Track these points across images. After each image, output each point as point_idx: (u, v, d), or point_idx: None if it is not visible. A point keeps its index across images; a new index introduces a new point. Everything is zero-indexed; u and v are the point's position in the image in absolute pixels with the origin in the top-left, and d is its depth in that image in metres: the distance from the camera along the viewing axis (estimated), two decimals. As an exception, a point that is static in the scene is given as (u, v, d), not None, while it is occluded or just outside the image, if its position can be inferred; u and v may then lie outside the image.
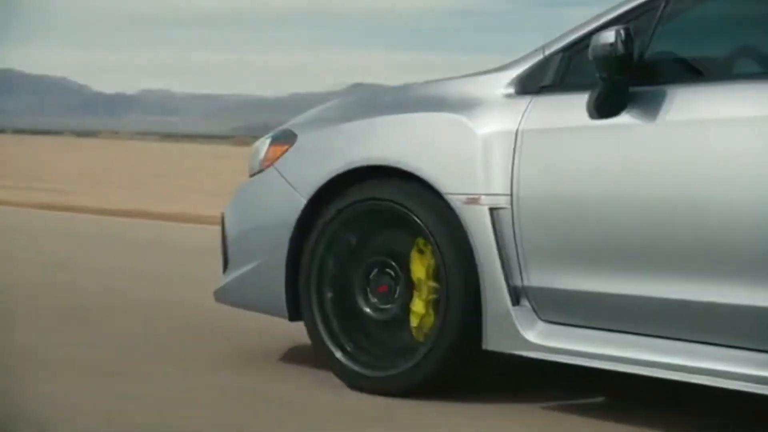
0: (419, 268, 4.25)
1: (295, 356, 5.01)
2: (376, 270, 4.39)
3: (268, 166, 4.70)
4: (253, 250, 4.66)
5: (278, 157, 4.67)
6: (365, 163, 4.34)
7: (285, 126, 4.84)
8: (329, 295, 4.46)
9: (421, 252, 4.25)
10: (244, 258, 4.70)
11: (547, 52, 4.09)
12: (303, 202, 4.48)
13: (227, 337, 5.36)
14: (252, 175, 4.82)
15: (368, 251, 4.42)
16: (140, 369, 4.65)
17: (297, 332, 4.75)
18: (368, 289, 4.40)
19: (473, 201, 4.06)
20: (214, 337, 5.37)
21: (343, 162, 4.40)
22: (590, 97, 3.84)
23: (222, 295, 4.86)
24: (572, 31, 4.06)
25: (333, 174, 4.41)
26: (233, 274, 4.76)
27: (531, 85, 4.09)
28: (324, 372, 4.45)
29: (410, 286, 4.28)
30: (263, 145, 4.81)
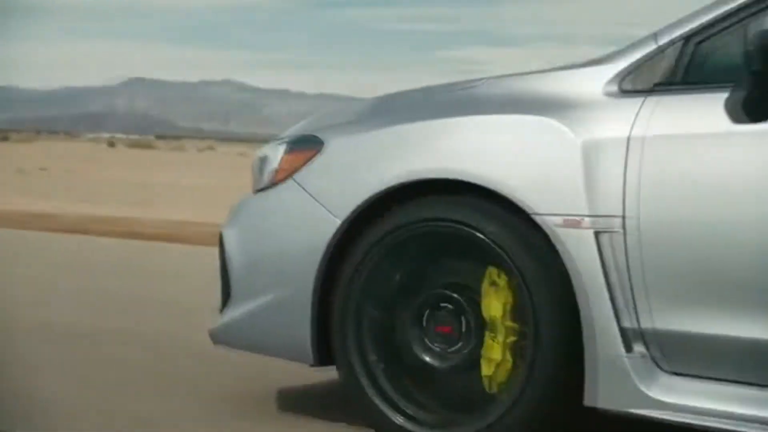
0: (494, 305, 3.46)
1: (308, 399, 4.20)
2: (433, 306, 3.60)
3: (284, 179, 3.87)
4: (266, 282, 3.82)
5: (299, 168, 3.83)
6: (427, 175, 3.52)
7: (301, 130, 4.01)
8: (372, 337, 3.65)
9: (494, 285, 3.47)
10: (253, 291, 3.86)
11: (662, 42, 3.33)
12: (337, 223, 3.66)
13: (219, 377, 4.50)
14: (260, 190, 3.98)
15: (424, 283, 3.62)
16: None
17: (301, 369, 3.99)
18: (424, 330, 3.60)
19: (572, 224, 3.28)
20: (206, 377, 4.50)
21: (394, 174, 3.58)
22: (731, 96, 3.11)
23: (222, 336, 4.00)
24: (694, 15, 3.32)
25: (380, 189, 3.60)
26: (237, 309, 3.91)
27: (642, 81, 3.32)
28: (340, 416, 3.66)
29: (481, 326, 3.49)
30: (275, 152, 3.97)
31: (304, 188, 3.78)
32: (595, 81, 3.39)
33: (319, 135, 3.85)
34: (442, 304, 3.58)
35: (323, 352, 3.74)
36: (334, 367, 3.74)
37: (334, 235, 3.67)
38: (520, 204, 3.36)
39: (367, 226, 3.64)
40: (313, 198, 3.74)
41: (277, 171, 3.91)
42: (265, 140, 4.90)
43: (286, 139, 3.99)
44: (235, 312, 3.92)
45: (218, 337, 4.01)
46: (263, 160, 4.01)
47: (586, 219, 3.26)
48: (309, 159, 3.82)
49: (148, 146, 77.54)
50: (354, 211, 3.65)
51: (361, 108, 4.06)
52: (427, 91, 3.95)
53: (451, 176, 3.48)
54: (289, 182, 3.84)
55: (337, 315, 3.68)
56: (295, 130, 4.07)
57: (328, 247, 3.67)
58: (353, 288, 3.65)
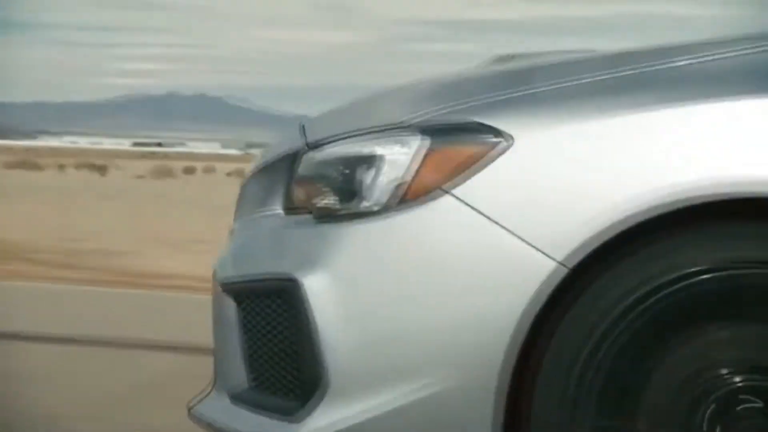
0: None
1: None
2: (727, 404, 2.18)
3: (425, 194, 2.35)
4: (411, 366, 2.31)
5: (457, 176, 2.33)
6: (732, 191, 2.11)
7: (441, 117, 2.41)
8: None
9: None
10: (382, 380, 2.34)
11: None
12: (552, 268, 2.21)
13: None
14: (376, 212, 2.40)
15: (715, 363, 2.21)
16: None
17: None
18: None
19: None
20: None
21: (665, 188, 2.16)
22: None
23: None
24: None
25: (634, 213, 2.17)
26: (347, 409, 2.36)
27: None
28: None
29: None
30: (395, 148, 2.42)
31: (478, 210, 2.27)
32: None
33: (499, 126, 2.33)
34: (744, 402, 2.14)
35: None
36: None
37: (547, 287, 2.21)
38: None
39: (606, 273, 2.19)
40: (504, 228, 2.24)
41: (408, 181, 2.37)
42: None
43: (417, 128, 2.42)
44: (338, 412, 2.37)
45: None
46: (352, 164, 2.47)
47: None
48: (479, 162, 2.32)
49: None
50: (585, 250, 2.20)
51: (536, 70, 2.55)
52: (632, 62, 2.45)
53: None
54: (446, 200, 2.32)
55: (551, 409, 2.23)
56: (428, 116, 2.49)
57: (538, 306, 2.20)
58: (588, 368, 2.22)
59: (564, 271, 2.20)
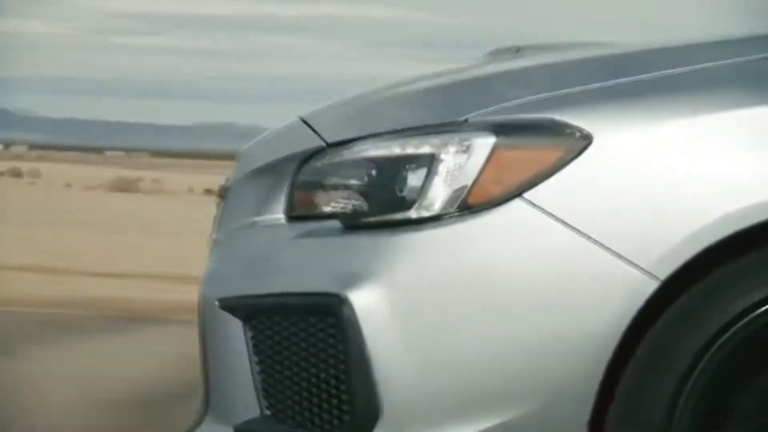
0: None
1: None
2: None
3: (491, 197, 2.09)
4: (480, 393, 2.04)
5: (529, 179, 2.07)
6: None
7: (507, 114, 2.16)
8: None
9: None
10: (446, 409, 2.06)
11: None
12: (654, 286, 1.98)
13: None
14: (430, 219, 2.14)
15: None
16: None
17: None
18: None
19: None
20: None
21: None
22: None
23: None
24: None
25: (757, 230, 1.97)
26: None
27: None
28: None
29: None
30: (461, 150, 2.14)
31: (555, 216, 2.03)
32: None
33: (570, 120, 2.09)
34: None
35: None
36: None
37: (636, 304, 1.98)
38: None
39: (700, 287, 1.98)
40: (583, 234, 2.00)
41: (468, 184, 2.11)
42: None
43: (486, 127, 2.14)
44: None
45: None
46: (394, 165, 2.20)
47: None
48: (550, 163, 2.07)
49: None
50: (678, 261, 1.97)
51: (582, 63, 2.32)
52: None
53: None
54: (513, 204, 2.07)
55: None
56: (478, 112, 2.21)
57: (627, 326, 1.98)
58: (683, 398, 1.99)
59: (655, 286, 1.97)
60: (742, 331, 1.98)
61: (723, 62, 2.12)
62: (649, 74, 2.14)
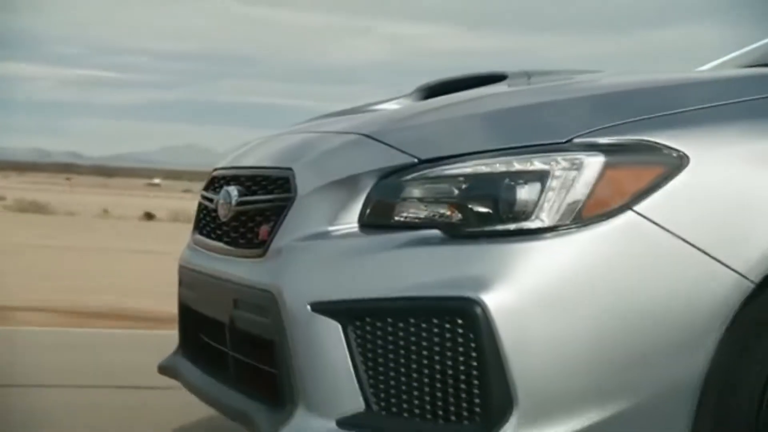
0: None
1: None
2: None
3: (604, 210, 2.36)
4: (604, 387, 2.32)
5: (637, 193, 2.37)
6: None
7: (612, 135, 2.43)
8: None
9: None
10: (574, 401, 2.32)
11: None
12: (749, 288, 2.31)
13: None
14: (547, 229, 2.38)
15: None
16: None
17: None
18: None
19: None
20: None
21: None
22: None
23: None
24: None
25: None
26: None
27: None
28: None
29: None
30: (573, 167, 2.40)
31: (663, 227, 2.34)
32: None
33: (667, 143, 2.41)
34: None
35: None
36: None
37: (735, 307, 2.32)
38: None
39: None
40: (690, 244, 2.33)
41: (582, 198, 2.38)
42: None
43: (595, 147, 2.42)
44: None
45: None
46: (510, 179, 2.41)
47: None
48: (655, 180, 2.38)
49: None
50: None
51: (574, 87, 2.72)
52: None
53: None
54: (624, 216, 2.35)
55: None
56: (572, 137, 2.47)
57: (728, 326, 2.31)
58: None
59: (751, 287, 2.29)
60: None
61: None
62: (732, 100, 2.51)
